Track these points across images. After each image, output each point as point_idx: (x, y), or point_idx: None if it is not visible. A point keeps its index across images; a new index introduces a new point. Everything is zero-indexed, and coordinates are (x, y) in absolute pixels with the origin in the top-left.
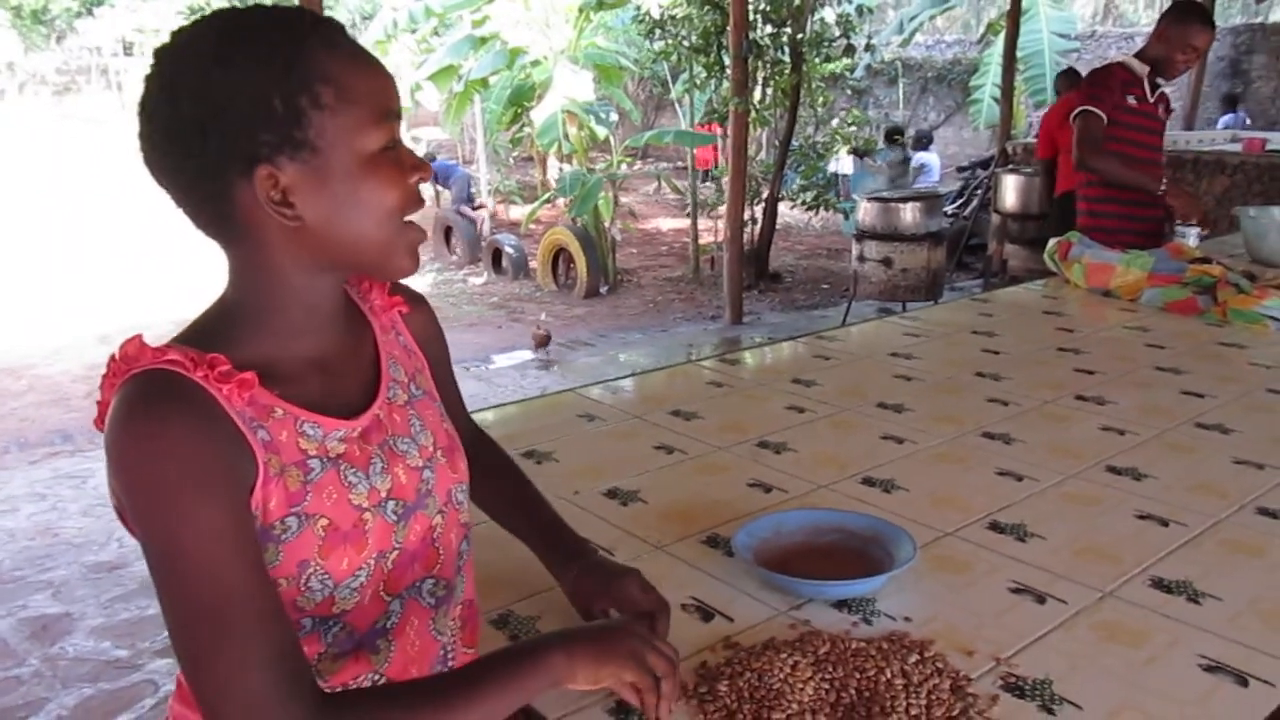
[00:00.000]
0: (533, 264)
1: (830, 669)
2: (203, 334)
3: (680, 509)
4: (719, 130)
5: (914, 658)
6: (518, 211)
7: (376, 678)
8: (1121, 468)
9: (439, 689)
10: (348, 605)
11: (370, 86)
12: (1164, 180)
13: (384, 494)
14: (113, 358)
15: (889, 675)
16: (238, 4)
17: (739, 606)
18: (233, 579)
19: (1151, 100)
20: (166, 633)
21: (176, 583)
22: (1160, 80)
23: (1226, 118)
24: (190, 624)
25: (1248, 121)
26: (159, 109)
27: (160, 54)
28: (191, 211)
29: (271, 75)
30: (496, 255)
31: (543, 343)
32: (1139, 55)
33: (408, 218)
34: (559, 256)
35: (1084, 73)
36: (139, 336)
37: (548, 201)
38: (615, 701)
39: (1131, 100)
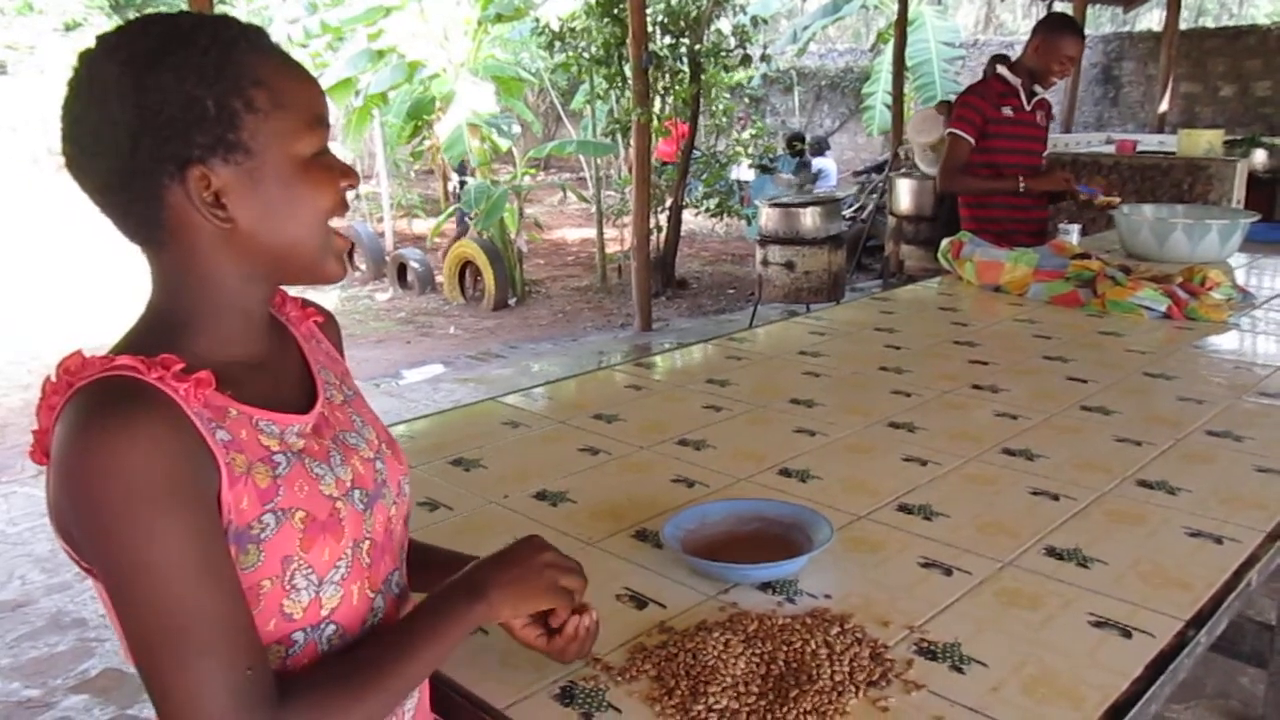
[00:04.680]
0: (439, 278)
1: (759, 644)
2: (141, 341)
3: (609, 507)
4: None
5: (835, 630)
6: (421, 225)
7: None
8: (1015, 449)
9: (375, 661)
10: (335, 603)
11: (301, 92)
12: (1021, 180)
13: (349, 484)
14: (48, 379)
15: (813, 646)
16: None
17: (670, 594)
18: (198, 596)
19: (1029, 109)
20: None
21: (141, 603)
22: (1038, 89)
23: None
24: (155, 644)
25: None
26: (86, 112)
27: (86, 57)
28: (118, 215)
29: (204, 77)
30: (402, 270)
31: None
32: (1013, 67)
33: (332, 223)
34: (465, 269)
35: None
36: (79, 350)
37: (452, 215)
38: (560, 688)
39: (1008, 111)
